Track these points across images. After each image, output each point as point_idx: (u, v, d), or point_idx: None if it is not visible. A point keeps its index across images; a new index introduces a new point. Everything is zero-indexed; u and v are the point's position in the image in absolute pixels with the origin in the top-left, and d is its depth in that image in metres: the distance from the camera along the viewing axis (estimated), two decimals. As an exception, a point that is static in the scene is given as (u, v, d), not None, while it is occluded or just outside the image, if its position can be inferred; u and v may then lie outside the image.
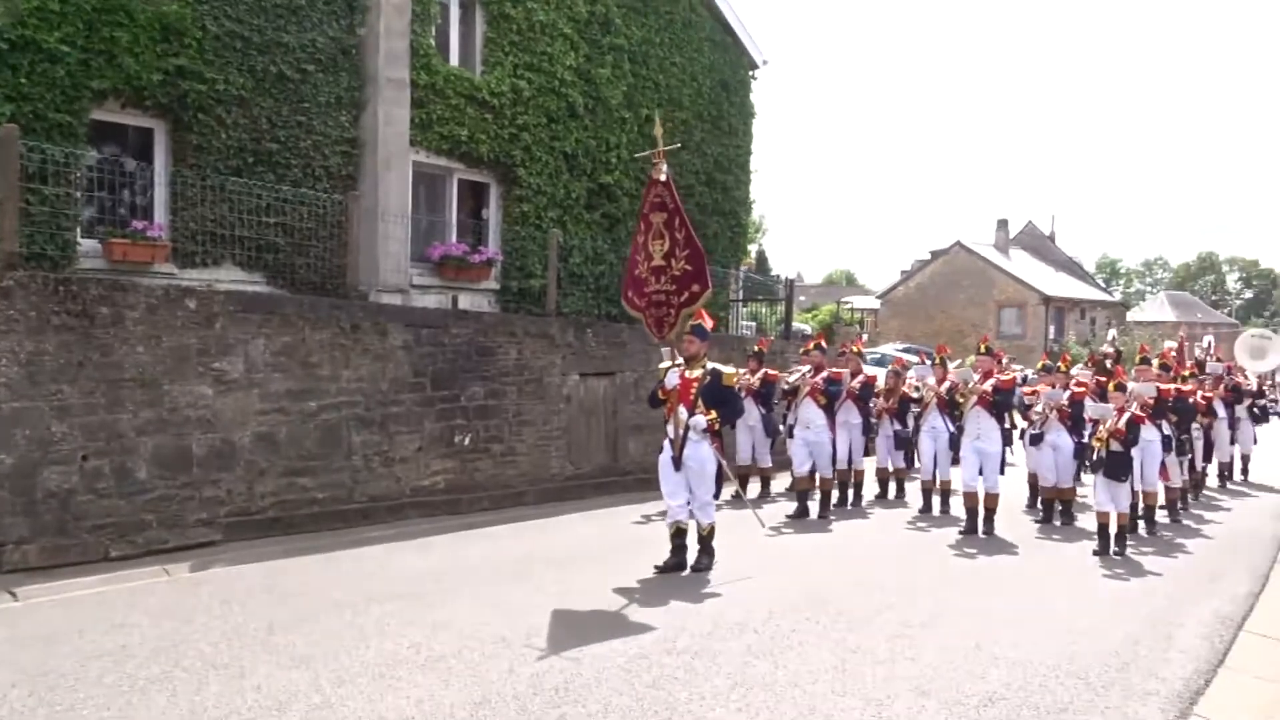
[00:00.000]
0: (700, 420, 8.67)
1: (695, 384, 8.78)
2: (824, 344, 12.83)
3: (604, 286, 16.44)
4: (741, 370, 13.44)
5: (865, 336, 42.75)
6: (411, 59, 13.83)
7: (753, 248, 29.10)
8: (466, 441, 12.20)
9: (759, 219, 44.79)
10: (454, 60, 15.04)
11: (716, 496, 9.02)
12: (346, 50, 13.23)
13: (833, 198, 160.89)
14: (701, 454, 8.72)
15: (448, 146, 14.58)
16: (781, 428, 13.19)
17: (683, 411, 8.72)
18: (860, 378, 13.04)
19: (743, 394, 13.14)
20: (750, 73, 20.57)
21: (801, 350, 13.06)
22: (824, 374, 12.29)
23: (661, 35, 18.03)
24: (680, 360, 8.94)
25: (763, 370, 13.45)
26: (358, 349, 11.15)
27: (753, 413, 13.33)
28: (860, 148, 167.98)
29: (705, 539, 8.98)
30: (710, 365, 8.95)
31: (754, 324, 22.20)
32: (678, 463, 8.73)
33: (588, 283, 16.13)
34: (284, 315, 10.54)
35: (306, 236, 12.56)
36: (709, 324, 9.12)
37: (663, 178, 8.72)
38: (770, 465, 13.80)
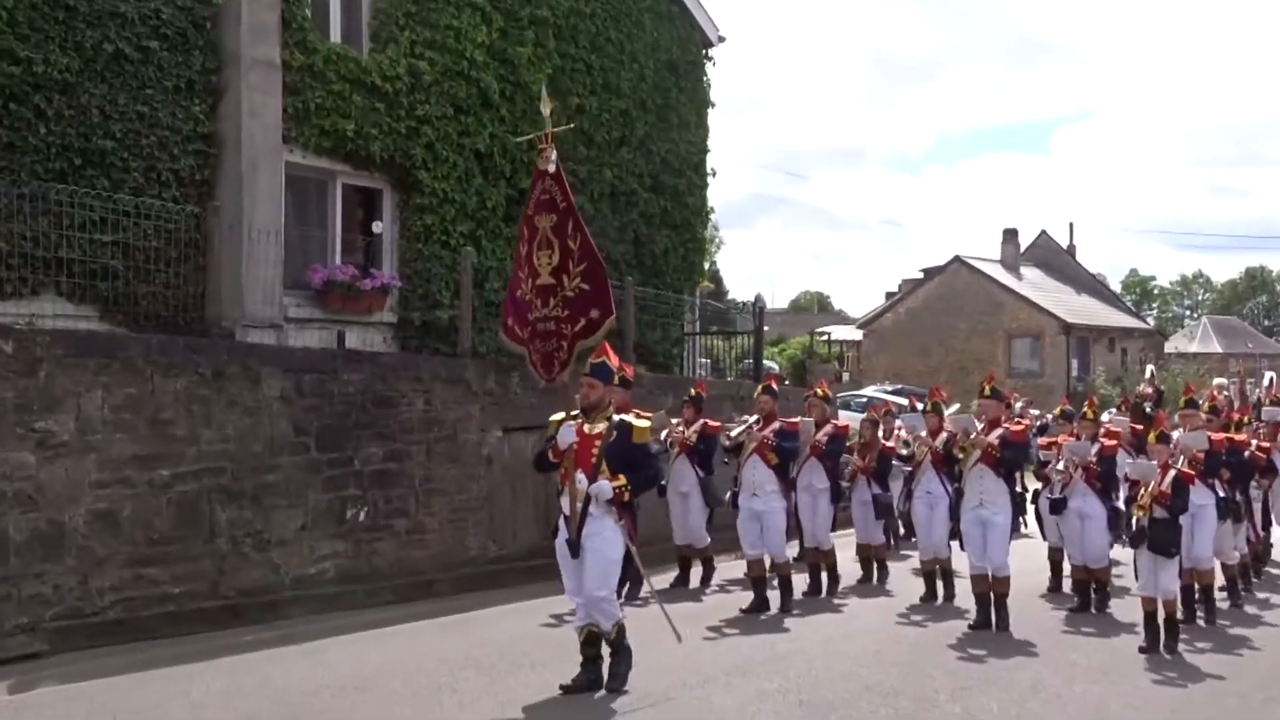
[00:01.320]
0: (604, 488, 8.27)
1: (597, 441, 8.43)
2: (776, 386, 12.59)
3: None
4: (675, 421, 13.43)
5: (846, 375, 43.22)
6: (282, 35, 13.87)
7: (707, 266, 29.33)
8: (362, 517, 12.18)
9: (714, 231, 45.23)
10: (335, 37, 15.10)
11: (625, 593, 8.70)
12: (199, 23, 13.24)
13: (798, 203, 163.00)
14: (603, 535, 8.34)
15: (330, 144, 14.60)
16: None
17: (580, 478, 8.35)
18: (828, 429, 12.98)
19: (675, 450, 13.17)
20: (704, 52, 20.93)
21: (755, 394, 12.78)
22: (776, 425, 12.01)
23: (593, 5, 18.29)
24: (577, 410, 8.62)
25: (701, 421, 13.25)
26: (222, 401, 11.10)
27: (688, 476, 13.18)
28: (832, 138, 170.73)
29: (615, 641, 8.47)
30: (618, 417, 8.61)
31: (709, 362, 22.38)
32: (575, 547, 8.34)
33: (508, 314, 16.19)
34: (127, 360, 10.48)
35: (152, 258, 12.47)
36: (615, 361, 8.86)
37: (551, 168, 8.40)
38: (709, 544, 13.55)
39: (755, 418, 12.26)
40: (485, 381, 13.70)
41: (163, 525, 10.57)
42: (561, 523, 8.55)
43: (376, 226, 15.60)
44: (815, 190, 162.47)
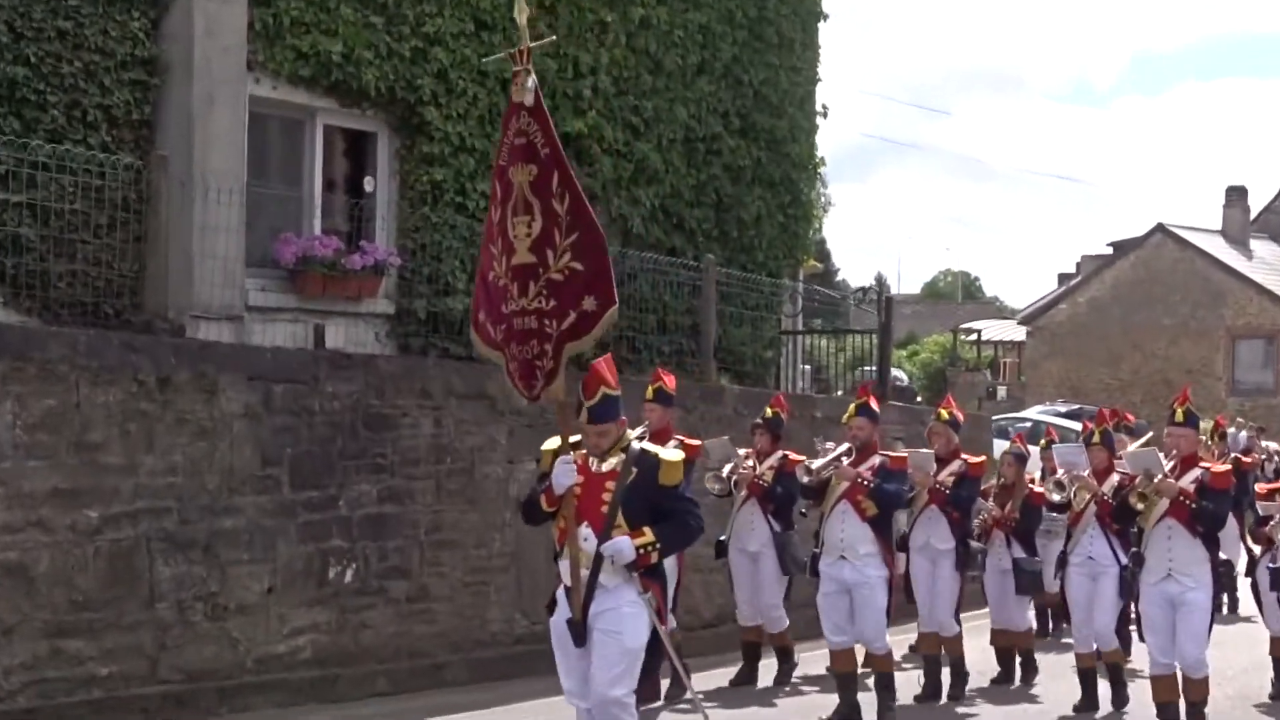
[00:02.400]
0: (623, 548, 8.00)
1: (610, 482, 8.21)
2: (874, 405, 12.31)
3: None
4: (743, 452, 13.46)
5: (1003, 390, 43.13)
6: (246, -77, 14.16)
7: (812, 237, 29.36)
8: (349, 577, 12.47)
9: (822, 190, 45.08)
10: (317, -73, 15.38)
11: (654, 694, 8.85)
12: (139, -90, 13.56)
13: (934, 148, 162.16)
14: (620, 612, 8.09)
15: (309, 71, 14.80)
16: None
17: (586, 534, 8.15)
18: (954, 466, 13.09)
19: (742, 494, 13.30)
20: (813, -55, 21.09)
21: (845, 416, 12.52)
22: (875, 461, 11.90)
23: (664, -119, 18.45)
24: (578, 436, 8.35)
25: (780, 453, 13.34)
26: (168, 419, 11.43)
27: (759, 530, 13.28)
28: (982, 61, 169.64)
29: None
30: (638, 446, 8.43)
31: (810, 369, 22.45)
32: (580, 632, 8.11)
33: (545, 302, 16.44)
34: (45, 363, 10.80)
35: (76, 226, 12.82)
36: (615, 382, 8.35)
37: (528, 100, 8.03)
38: (786, 626, 13.65)
39: (846, 446, 12.05)
40: (514, 396, 13.82)
41: (89, 584, 10.86)
42: (561, 595, 8.33)
43: (369, 183, 15.83)
44: (959, 131, 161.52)
